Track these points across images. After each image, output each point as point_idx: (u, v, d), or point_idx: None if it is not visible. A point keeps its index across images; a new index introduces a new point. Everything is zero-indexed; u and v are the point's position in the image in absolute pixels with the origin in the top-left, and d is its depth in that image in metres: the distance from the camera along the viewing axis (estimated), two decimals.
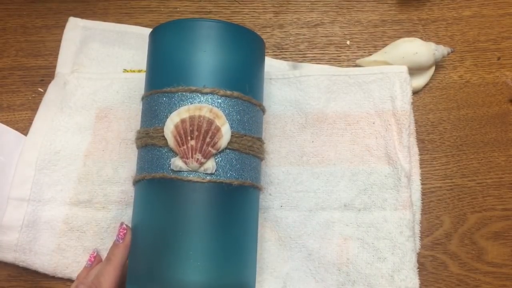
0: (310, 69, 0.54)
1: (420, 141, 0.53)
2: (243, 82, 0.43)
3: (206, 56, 0.41)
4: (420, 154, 0.53)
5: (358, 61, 0.56)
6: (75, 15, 0.57)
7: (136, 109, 0.52)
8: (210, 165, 0.40)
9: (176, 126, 0.40)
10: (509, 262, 0.50)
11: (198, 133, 0.40)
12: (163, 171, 0.40)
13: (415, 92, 0.55)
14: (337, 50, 0.57)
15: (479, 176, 0.53)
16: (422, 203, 0.51)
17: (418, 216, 0.50)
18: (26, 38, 0.57)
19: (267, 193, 0.50)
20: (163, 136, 0.40)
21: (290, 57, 0.57)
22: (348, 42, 0.57)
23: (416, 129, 0.53)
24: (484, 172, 0.53)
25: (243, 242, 0.42)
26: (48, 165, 0.50)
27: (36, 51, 0.57)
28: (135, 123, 0.52)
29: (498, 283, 0.50)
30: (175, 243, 0.39)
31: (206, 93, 0.40)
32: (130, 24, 0.57)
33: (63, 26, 0.56)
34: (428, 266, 0.50)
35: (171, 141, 0.40)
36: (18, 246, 0.48)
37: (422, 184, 0.51)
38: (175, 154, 0.40)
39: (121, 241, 0.42)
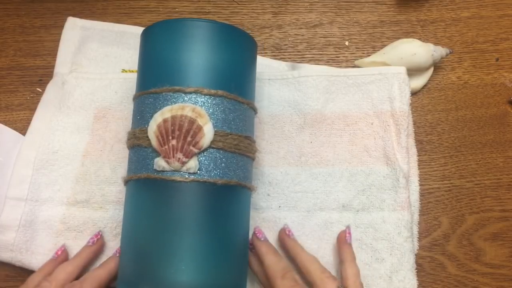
0: (309, 69, 0.54)
1: (419, 142, 0.53)
2: (228, 80, 0.42)
3: (192, 55, 0.41)
4: (418, 155, 0.53)
5: (356, 62, 0.56)
6: (74, 15, 0.57)
7: None
8: (193, 164, 0.40)
9: (159, 126, 0.40)
10: (507, 263, 0.50)
11: (179, 132, 0.39)
12: (147, 171, 0.40)
13: (414, 93, 0.55)
14: (335, 51, 0.57)
15: (477, 177, 0.53)
16: (420, 204, 0.51)
17: (416, 217, 0.50)
18: (24, 38, 0.57)
19: (265, 194, 0.50)
20: (147, 136, 0.40)
21: (289, 58, 0.57)
22: (346, 43, 0.57)
23: (415, 130, 0.54)
24: (482, 173, 0.53)
25: (232, 242, 0.41)
26: (46, 165, 0.50)
27: (35, 51, 0.57)
28: None
29: (496, 284, 0.50)
30: (161, 243, 0.39)
31: (190, 93, 0.40)
32: (129, 24, 0.57)
33: (62, 26, 0.56)
34: (426, 267, 0.50)
35: (153, 141, 0.40)
36: (15, 245, 0.48)
37: (420, 185, 0.51)
38: (158, 154, 0.40)
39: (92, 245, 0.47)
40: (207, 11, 0.58)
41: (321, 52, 0.57)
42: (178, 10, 0.58)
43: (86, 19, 0.57)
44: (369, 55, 0.56)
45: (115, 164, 0.51)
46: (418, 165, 0.52)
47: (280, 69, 0.55)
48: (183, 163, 0.39)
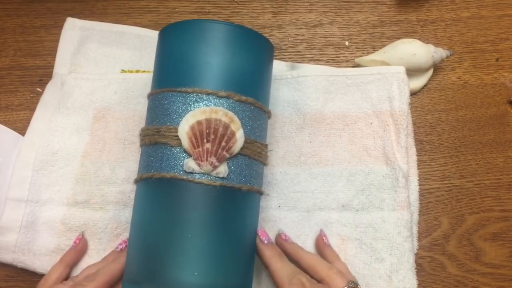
0: (308, 69, 0.54)
1: (419, 142, 0.53)
2: (256, 88, 0.43)
3: (223, 60, 0.41)
4: (418, 155, 0.53)
5: (356, 60, 0.56)
6: (74, 15, 0.57)
7: (133, 109, 0.52)
8: (223, 169, 0.40)
9: (192, 128, 0.40)
10: (507, 263, 0.50)
11: (215, 136, 0.39)
12: (174, 171, 0.40)
13: (413, 94, 0.55)
14: (335, 51, 0.57)
15: (477, 177, 0.53)
16: (420, 204, 0.51)
17: (416, 217, 0.51)
18: (24, 38, 0.57)
19: (264, 193, 0.50)
20: (177, 136, 0.40)
21: (289, 58, 0.56)
22: (346, 43, 0.57)
23: (415, 130, 0.54)
24: (482, 173, 0.53)
25: (241, 244, 0.42)
26: (46, 166, 0.50)
27: (35, 51, 0.57)
28: (133, 123, 0.52)
29: (496, 284, 0.50)
30: (178, 243, 0.39)
31: (222, 97, 0.40)
32: (129, 24, 0.57)
33: (62, 26, 0.56)
34: (426, 267, 0.50)
35: (185, 142, 0.40)
36: (17, 247, 0.48)
37: (420, 185, 0.51)
38: (188, 155, 0.40)
39: (120, 248, 0.46)
40: (207, 11, 0.58)
41: (321, 52, 0.57)
42: (178, 10, 0.58)
43: (86, 19, 0.57)
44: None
45: (115, 164, 0.51)
46: (418, 165, 0.52)
47: (279, 69, 0.55)
48: (215, 167, 0.40)
